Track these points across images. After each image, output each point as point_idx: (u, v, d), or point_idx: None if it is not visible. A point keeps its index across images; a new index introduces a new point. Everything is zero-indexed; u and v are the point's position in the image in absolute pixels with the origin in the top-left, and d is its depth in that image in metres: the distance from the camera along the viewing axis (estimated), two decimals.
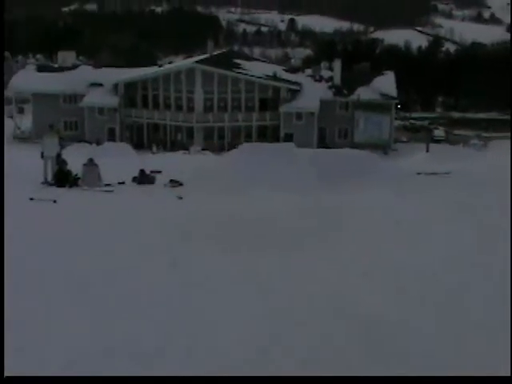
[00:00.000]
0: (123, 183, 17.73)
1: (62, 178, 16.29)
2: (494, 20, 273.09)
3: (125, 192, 14.65)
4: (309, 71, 68.35)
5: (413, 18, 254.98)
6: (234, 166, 15.54)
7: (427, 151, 45.28)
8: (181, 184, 17.11)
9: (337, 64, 66.00)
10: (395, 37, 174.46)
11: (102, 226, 10.10)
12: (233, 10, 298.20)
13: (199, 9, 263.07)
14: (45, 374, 5.16)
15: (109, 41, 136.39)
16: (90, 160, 16.87)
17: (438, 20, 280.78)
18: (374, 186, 15.50)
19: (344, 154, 18.42)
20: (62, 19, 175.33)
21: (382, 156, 34.43)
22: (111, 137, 61.79)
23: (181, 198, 12.74)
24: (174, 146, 59.09)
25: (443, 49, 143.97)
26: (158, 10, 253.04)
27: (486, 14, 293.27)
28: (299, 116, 62.22)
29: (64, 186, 15.81)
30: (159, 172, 21.44)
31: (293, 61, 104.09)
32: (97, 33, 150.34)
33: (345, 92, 63.67)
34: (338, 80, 64.56)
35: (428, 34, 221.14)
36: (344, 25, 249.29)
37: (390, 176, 17.34)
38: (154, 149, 55.56)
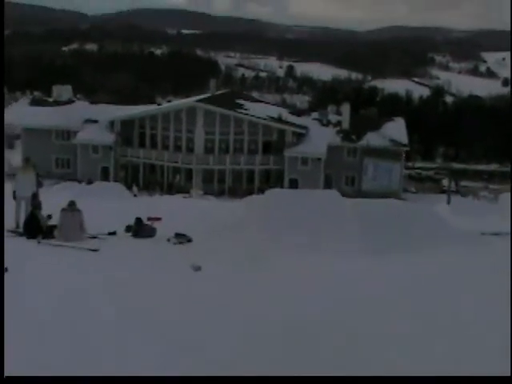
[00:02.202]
0: (114, 234, 14.03)
1: (34, 226, 12.52)
2: (489, 74, 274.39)
3: (115, 250, 10.81)
4: (315, 115, 65.30)
5: (410, 68, 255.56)
6: (259, 217, 11.82)
7: (448, 203, 41.73)
8: (189, 240, 13.40)
9: (346, 108, 62.99)
10: (394, 86, 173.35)
11: (65, 334, 6.01)
12: (232, 54, 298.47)
13: (198, 52, 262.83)
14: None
15: (108, 80, 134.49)
16: (71, 204, 12.95)
17: (435, 72, 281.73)
18: (445, 245, 11.84)
19: (392, 204, 14.70)
20: (61, 58, 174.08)
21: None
22: (105, 177, 58.22)
23: (198, 268, 8.75)
24: (171, 189, 55.43)
25: (442, 100, 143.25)
26: (158, 52, 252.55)
27: (482, 68, 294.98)
28: (305, 161, 58.89)
29: (35, 238, 12.06)
30: (159, 219, 17.67)
31: (298, 104, 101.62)
32: (96, 72, 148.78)
33: (353, 137, 60.56)
34: (346, 125, 61.50)
35: (425, 85, 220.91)
36: (342, 73, 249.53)
37: (453, 235, 13.65)
38: (136, 190, 50.93)
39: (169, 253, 10.81)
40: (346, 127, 61.66)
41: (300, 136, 60.19)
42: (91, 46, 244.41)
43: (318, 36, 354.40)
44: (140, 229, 14.43)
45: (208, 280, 7.74)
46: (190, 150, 60.55)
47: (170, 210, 20.40)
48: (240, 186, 59.10)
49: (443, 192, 62.80)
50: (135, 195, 41.26)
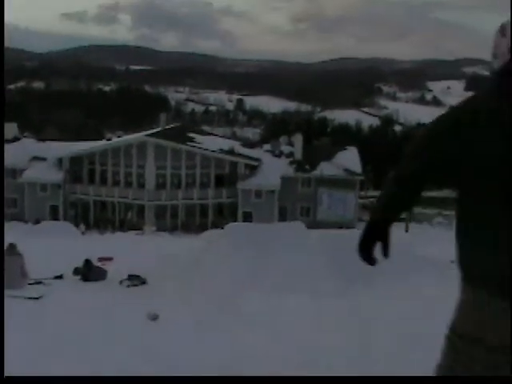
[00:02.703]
0: (61, 277, 12.90)
1: None
2: (436, 102, 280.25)
3: (60, 297, 9.65)
4: (267, 146, 64.82)
5: (359, 99, 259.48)
6: (220, 255, 10.88)
7: (407, 231, 41.42)
8: (144, 282, 12.35)
9: (298, 138, 62.68)
10: (343, 117, 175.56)
11: None
12: (181, 89, 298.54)
13: (147, 88, 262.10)
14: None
15: (55, 117, 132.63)
16: (11, 247, 11.77)
17: (383, 102, 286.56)
18: (417, 276, 11.11)
19: (356, 235, 13.80)
20: (8, 96, 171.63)
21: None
22: (54, 215, 56.50)
23: (155, 316, 7.59)
24: (123, 226, 54.05)
25: (391, 129, 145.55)
26: (106, 88, 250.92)
27: (429, 97, 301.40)
28: (259, 194, 58.16)
29: None
30: (110, 259, 16.61)
31: (250, 136, 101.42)
32: (44, 110, 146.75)
33: (307, 168, 60.18)
34: (299, 155, 61.11)
35: (374, 115, 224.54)
36: (292, 105, 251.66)
37: (423, 264, 12.98)
38: (82, 227, 49.15)
39: (121, 298, 9.73)
40: (298, 158, 61.27)
41: (253, 168, 59.56)
42: (38, 84, 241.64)
43: (266, 69, 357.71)
44: (89, 271, 13.31)
45: (166, 330, 6.74)
46: (141, 185, 59.31)
47: (121, 249, 19.38)
48: (193, 220, 58.05)
49: (398, 220, 62.96)
50: (83, 233, 39.83)
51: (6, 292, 8.96)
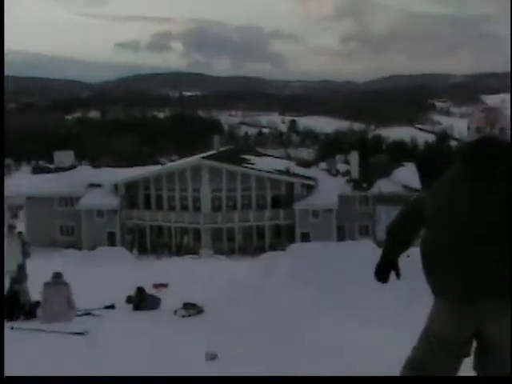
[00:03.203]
0: (112, 307, 12.11)
1: (13, 305, 10.61)
2: None
3: (108, 331, 8.78)
4: (323, 165, 63.73)
5: (412, 116, 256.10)
6: (284, 279, 9.88)
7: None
8: (200, 311, 11.42)
9: (354, 156, 61.42)
10: (398, 134, 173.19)
11: None
12: (234, 113, 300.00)
13: (201, 113, 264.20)
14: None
15: (111, 145, 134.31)
16: (57, 276, 10.96)
17: (437, 117, 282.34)
18: None
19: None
20: (65, 127, 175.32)
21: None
22: (111, 242, 56.39)
23: (214, 356, 6.47)
24: (180, 251, 53.56)
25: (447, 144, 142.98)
26: (161, 115, 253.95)
27: None
28: (316, 213, 57.00)
29: (14, 319, 10.13)
30: (165, 286, 15.79)
31: (305, 156, 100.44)
32: (99, 138, 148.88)
33: (364, 186, 58.82)
34: (355, 173, 59.82)
35: (428, 131, 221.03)
36: (345, 124, 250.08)
37: None
38: (136, 253, 48.59)
39: (175, 331, 8.79)
40: (355, 176, 59.99)
41: (309, 188, 58.51)
42: (94, 114, 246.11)
43: (318, 90, 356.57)
44: (142, 300, 12.46)
45: (225, 371, 5.74)
46: (197, 209, 58.82)
47: (177, 274, 18.59)
48: (250, 243, 57.17)
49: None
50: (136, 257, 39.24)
51: (50, 326, 8.20)
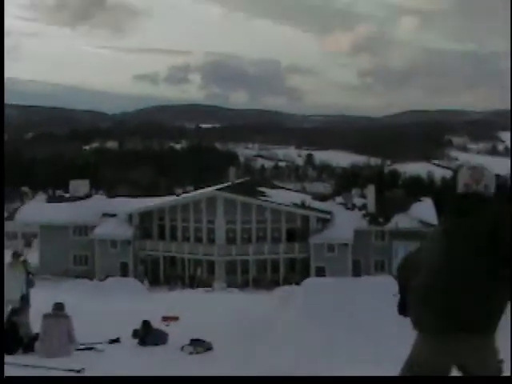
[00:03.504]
0: (117, 341, 11.58)
1: (12, 337, 10.07)
2: (508, 152, 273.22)
3: (108, 368, 8.16)
4: (339, 199, 63.15)
5: (428, 151, 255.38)
6: (298, 315, 9.34)
7: None
8: (209, 348, 10.86)
9: (370, 190, 60.84)
10: (414, 169, 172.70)
11: None
12: (250, 145, 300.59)
13: (217, 145, 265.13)
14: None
15: (128, 176, 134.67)
16: (58, 307, 10.40)
17: (454, 153, 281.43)
18: None
19: None
20: (82, 157, 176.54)
21: None
22: (124, 272, 55.90)
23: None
24: (193, 283, 52.96)
25: None
26: (177, 146, 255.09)
27: (500, 147, 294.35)
28: (331, 248, 56.29)
29: (12, 353, 9.58)
30: (175, 319, 15.24)
31: (321, 189, 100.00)
32: (117, 169, 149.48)
33: (381, 220, 58.10)
34: (372, 207, 59.15)
35: (445, 167, 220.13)
36: (361, 159, 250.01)
37: None
38: (147, 284, 47.99)
39: (180, 370, 8.21)
40: (372, 210, 59.30)
41: (325, 222, 57.87)
42: (112, 144, 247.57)
43: (334, 124, 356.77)
44: (148, 335, 11.86)
45: None
46: (212, 240, 58.32)
47: (189, 307, 18.04)
48: (264, 276, 56.47)
49: None
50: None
51: (47, 361, 7.68)
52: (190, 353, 10.59)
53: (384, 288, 10.26)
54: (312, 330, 8.91)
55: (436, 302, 3.72)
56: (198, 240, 58.66)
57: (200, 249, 57.70)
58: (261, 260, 57.44)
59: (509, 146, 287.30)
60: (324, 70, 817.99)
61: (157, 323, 15.04)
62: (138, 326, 13.19)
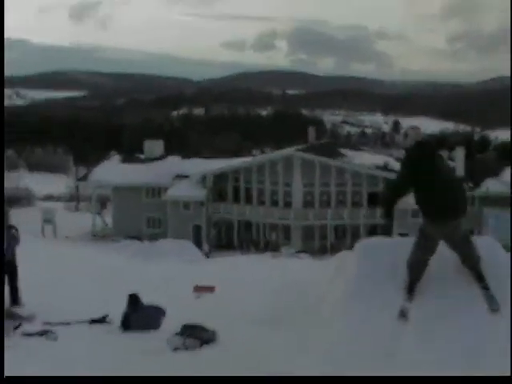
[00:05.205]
0: (103, 321, 8.89)
1: None
2: None
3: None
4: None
5: None
6: (349, 284, 6.60)
7: None
8: (208, 340, 7.56)
9: (459, 152, 56.55)
10: (505, 135, 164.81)
11: None
12: (337, 112, 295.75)
13: (303, 112, 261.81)
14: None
15: (213, 142, 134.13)
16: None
17: None
18: None
19: None
20: (170, 122, 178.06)
21: None
22: (197, 235, 54.12)
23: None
24: (267, 248, 50.48)
25: None
26: (263, 113, 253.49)
27: None
28: (415, 213, 52.23)
29: None
30: (211, 289, 12.55)
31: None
32: (202, 135, 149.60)
33: (470, 185, 53.87)
34: (461, 171, 54.84)
35: None
36: (449, 126, 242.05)
37: None
38: (206, 248, 46.69)
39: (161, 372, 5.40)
40: (461, 174, 55.07)
41: None
42: (199, 111, 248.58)
43: (422, 90, 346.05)
44: (134, 315, 8.80)
45: None
46: (288, 204, 55.51)
47: (239, 275, 15.35)
48: (344, 243, 53.30)
49: None
50: (207, 256, 36.14)
51: None
52: (176, 348, 7.43)
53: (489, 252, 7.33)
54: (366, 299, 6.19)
55: (440, 201, 6.46)
56: (274, 203, 55.99)
57: (276, 213, 55.05)
58: (340, 225, 54.34)
59: None
60: (412, 34, 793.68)
61: (189, 292, 12.47)
62: (164, 295, 10.61)
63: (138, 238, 47.29)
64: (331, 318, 6.84)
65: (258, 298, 10.68)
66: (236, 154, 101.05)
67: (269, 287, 12.09)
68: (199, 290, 12.64)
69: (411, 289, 6.58)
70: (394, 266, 6.85)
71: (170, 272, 15.95)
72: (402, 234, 52.90)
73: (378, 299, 6.51)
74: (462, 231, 6.54)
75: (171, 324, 8.34)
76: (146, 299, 9.46)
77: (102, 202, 64.76)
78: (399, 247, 7.27)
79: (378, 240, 7.89)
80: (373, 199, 54.94)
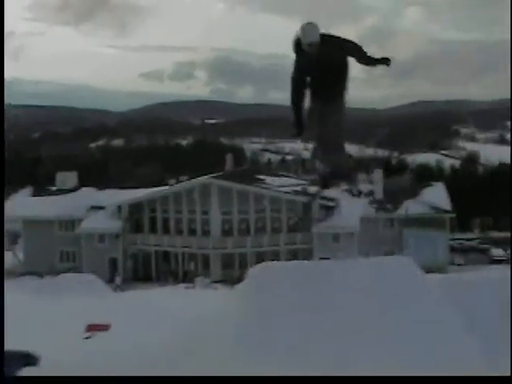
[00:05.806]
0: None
1: None
2: None
3: None
4: (344, 185, 59.02)
5: (436, 142, 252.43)
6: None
7: None
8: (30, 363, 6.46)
9: (377, 175, 56.96)
10: (422, 159, 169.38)
11: None
12: (257, 140, 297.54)
13: (223, 140, 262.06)
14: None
15: (134, 173, 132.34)
16: None
17: (462, 143, 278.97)
18: None
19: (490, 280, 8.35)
20: (88, 155, 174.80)
21: None
22: (113, 268, 52.16)
23: None
24: (186, 278, 49.06)
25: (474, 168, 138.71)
26: (183, 143, 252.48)
27: (508, 136, 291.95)
28: (336, 237, 52.26)
29: None
30: (104, 328, 11.21)
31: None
32: (122, 166, 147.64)
33: (389, 207, 54.13)
34: (379, 194, 55.15)
35: (453, 157, 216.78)
36: (367, 151, 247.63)
37: None
38: (118, 280, 45.35)
39: None
40: (379, 197, 55.37)
41: (329, 209, 53.73)
42: (118, 142, 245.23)
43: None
44: None
45: None
46: (206, 232, 54.33)
47: (139, 310, 14.01)
48: None
49: (492, 263, 57.27)
50: (117, 290, 34.43)
51: None
52: None
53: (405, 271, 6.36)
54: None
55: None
56: (192, 232, 54.68)
57: (194, 242, 53.75)
58: (260, 252, 53.43)
59: None
60: None
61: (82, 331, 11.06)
62: (63, 334, 9.14)
63: (39, 274, 44.83)
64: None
65: (155, 334, 9.44)
66: (157, 184, 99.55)
67: (172, 321, 10.88)
68: (92, 328, 11.23)
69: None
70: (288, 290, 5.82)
71: (67, 309, 14.42)
72: (322, 259, 52.66)
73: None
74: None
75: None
76: (29, 340, 8.07)
77: (13, 238, 61.73)
78: (293, 272, 6.24)
79: (270, 265, 6.88)
80: (292, 225, 54.53)
